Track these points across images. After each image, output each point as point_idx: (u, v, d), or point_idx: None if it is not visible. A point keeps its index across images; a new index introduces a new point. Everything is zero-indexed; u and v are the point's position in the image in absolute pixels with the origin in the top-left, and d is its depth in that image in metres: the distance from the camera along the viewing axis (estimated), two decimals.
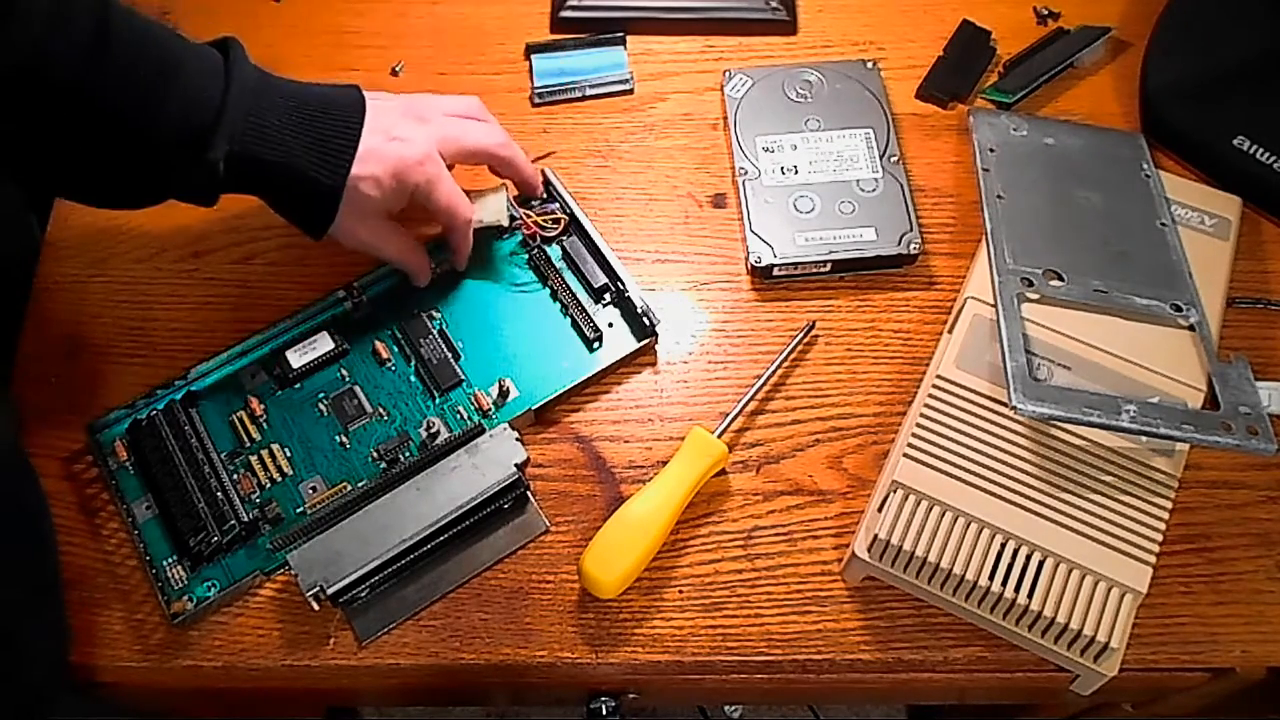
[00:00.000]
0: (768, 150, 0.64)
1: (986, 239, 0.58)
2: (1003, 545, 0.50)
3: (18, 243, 0.63)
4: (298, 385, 0.57)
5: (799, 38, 0.71)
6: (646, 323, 0.58)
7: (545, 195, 0.62)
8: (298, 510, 0.54)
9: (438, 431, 0.55)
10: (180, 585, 0.52)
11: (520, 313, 0.60)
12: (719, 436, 0.55)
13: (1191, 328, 0.55)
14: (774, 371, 0.58)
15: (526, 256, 0.61)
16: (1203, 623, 0.53)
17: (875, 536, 0.50)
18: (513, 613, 0.53)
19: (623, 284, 0.58)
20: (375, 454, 0.55)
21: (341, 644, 0.52)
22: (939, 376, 0.54)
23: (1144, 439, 0.52)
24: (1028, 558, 0.49)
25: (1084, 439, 0.52)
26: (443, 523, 0.52)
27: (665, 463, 0.54)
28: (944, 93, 0.68)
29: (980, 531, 0.50)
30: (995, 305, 0.55)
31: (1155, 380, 0.54)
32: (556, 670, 0.53)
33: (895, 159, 0.63)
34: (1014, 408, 0.50)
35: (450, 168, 0.56)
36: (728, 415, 0.56)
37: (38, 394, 0.58)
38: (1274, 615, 0.53)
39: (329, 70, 0.68)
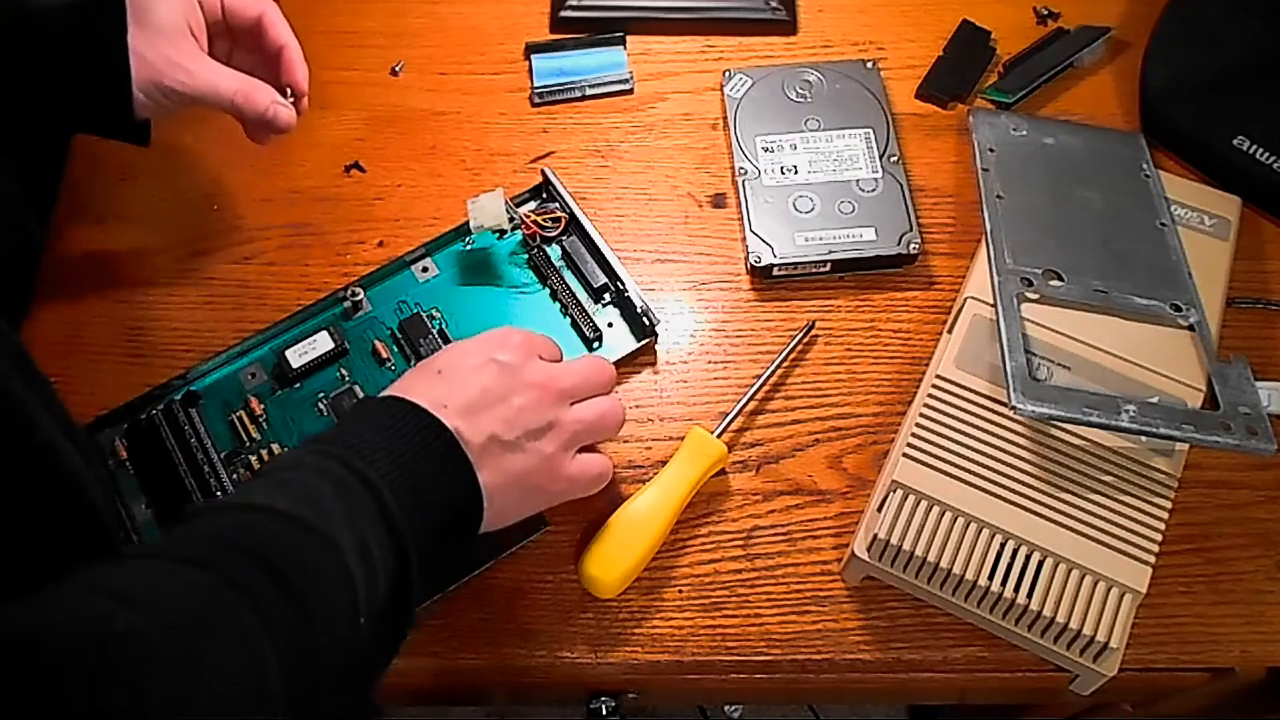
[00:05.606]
0: (767, 150, 0.64)
1: (986, 239, 0.58)
2: (1002, 545, 0.50)
3: (18, 242, 0.62)
4: (297, 385, 0.57)
5: (799, 38, 0.71)
6: (646, 322, 0.58)
7: (545, 195, 0.63)
8: None
9: None
10: None
11: (520, 313, 0.60)
12: (718, 436, 0.55)
13: (1191, 328, 0.55)
14: (773, 371, 0.58)
15: (526, 256, 0.61)
16: (1202, 623, 0.53)
17: (875, 536, 0.50)
18: (513, 613, 0.53)
19: (622, 284, 0.58)
20: None
21: None
22: (938, 376, 0.54)
23: (1144, 439, 0.52)
24: (1027, 558, 0.49)
25: (1084, 439, 0.52)
26: None
27: (665, 463, 0.54)
28: (944, 93, 0.68)
29: (980, 531, 0.50)
30: (995, 305, 0.55)
31: (1155, 380, 0.53)
32: (556, 670, 0.53)
33: (895, 159, 0.63)
34: (1014, 408, 0.50)
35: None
36: (727, 415, 0.56)
37: None
38: (1274, 615, 0.53)
39: (329, 70, 0.68)
